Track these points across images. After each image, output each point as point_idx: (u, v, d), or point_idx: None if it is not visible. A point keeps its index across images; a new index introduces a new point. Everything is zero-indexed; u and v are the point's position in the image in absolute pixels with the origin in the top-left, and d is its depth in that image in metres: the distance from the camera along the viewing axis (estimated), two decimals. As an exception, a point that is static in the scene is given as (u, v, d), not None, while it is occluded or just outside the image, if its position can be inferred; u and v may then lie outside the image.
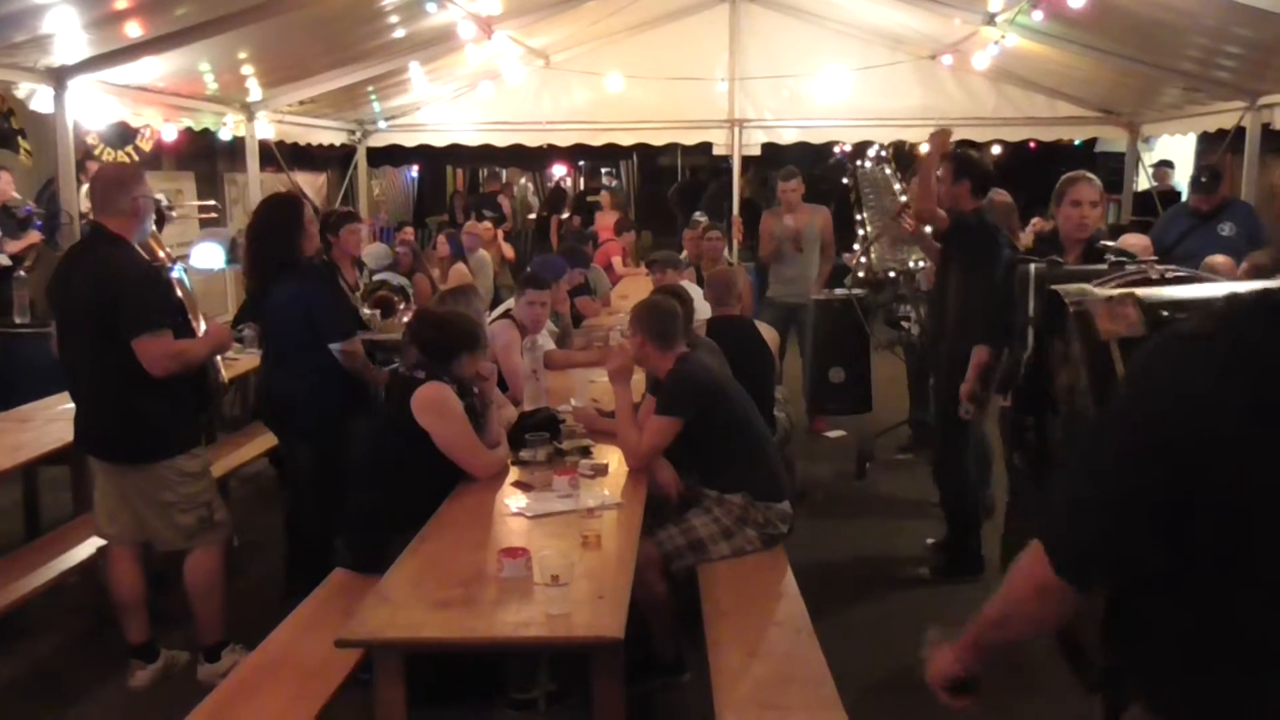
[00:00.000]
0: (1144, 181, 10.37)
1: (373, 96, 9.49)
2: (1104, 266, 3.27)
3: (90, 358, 3.68)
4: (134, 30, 5.43)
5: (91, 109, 6.02)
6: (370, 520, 3.66)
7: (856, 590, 4.82)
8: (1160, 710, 1.49)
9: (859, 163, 7.06)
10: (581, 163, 19.75)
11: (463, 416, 3.73)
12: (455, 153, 11.68)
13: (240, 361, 5.55)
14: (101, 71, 5.83)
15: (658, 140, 10.45)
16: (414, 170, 17.08)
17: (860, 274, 6.97)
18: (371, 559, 3.41)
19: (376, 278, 6.02)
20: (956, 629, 1.76)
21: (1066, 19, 6.60)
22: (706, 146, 10.49)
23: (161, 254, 4.06)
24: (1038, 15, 6.60)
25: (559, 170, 19.01)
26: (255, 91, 7.89)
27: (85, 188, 6.22)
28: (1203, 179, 6.52)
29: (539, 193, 19.24)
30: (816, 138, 10.00)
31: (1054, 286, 2.51)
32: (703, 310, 5.30)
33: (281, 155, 9.25)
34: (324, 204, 11.80)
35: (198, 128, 7.62)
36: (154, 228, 4.05)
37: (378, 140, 10.62)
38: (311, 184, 12.22)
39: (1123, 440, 1.44)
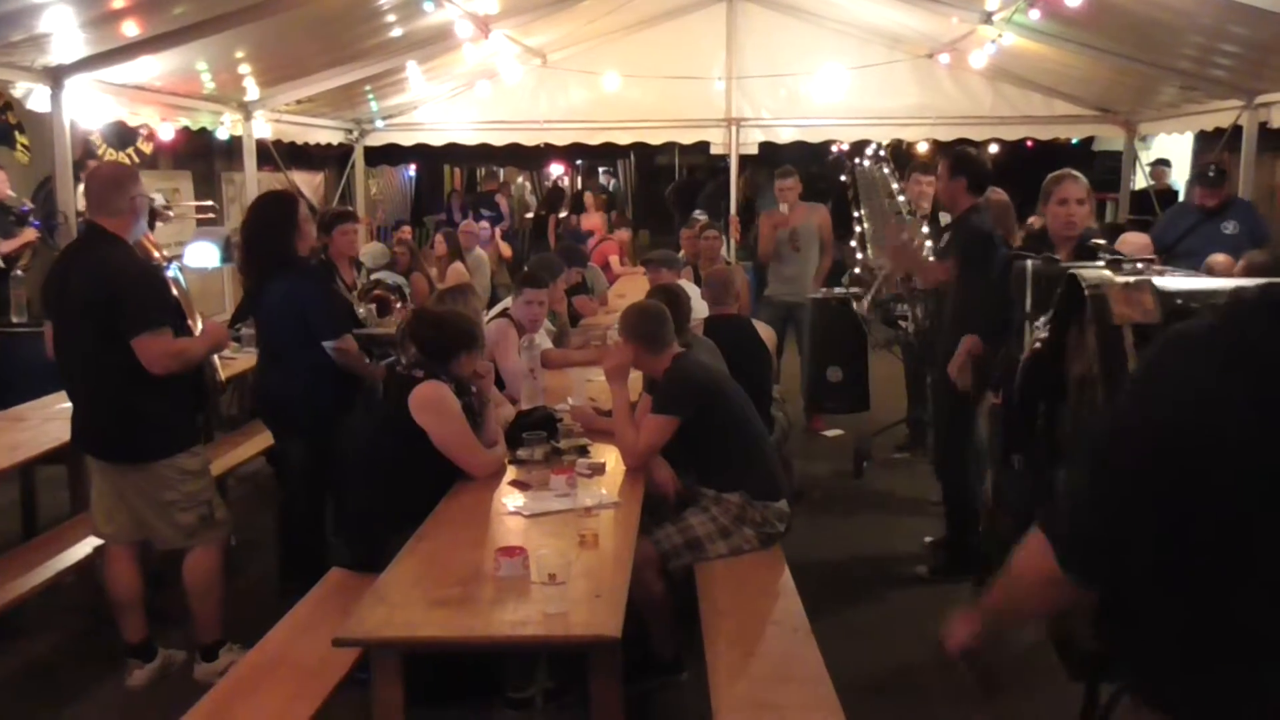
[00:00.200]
0: (1141, 180, 10.37)
1: (370, 96, 9.49)
2: (1099, 264, 3.28)
3: (88, 357, 3.67)
4: (131, 29, 5.42)
5: (88, 108, 6.01)
6: (368, 519, 3.66)
7: (854, 589, 4.82)
8: (1157, 705, 1.49)
9: (857, 161, 7.05)
10: (579, 162, 19.75)
11: (460, 415, 3.74)
12: (453, 152, 11.67)
13: (238, 360, 5.55)
14: (98, 70, 5.82)
15: (655, 139, 10.45)
16: (411, 169, 17.06)
17: (858, 271, 6.97)
18: (369, 558, 3.41)
19: (374, 276, 6.02)
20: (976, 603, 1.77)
21: (1063, 18, 6.60)
22: (704, 145, 10.49)
23: (156, 254, 4.05)
24: (1035, 14, 6.60)
25: (556, 169, 19.02)
26: (252, 91, 7.88)
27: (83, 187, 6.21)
28: (1210, 173, 6.47)
29: (536, 192, 19.26)
30: (814, 137, 10.00)
31: (1073, 269, 2.53)
32: (700, 309, 5.30)
33: (279, 154, 9.24)
34: (321, 203, 11.79)
35: (195, 127, 7.61)
36: (147, 227, 4.05)
37: (375, 139, 10.61)
38: (309, 183, 12.21)
39: (1127, 439, 1.45)
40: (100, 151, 8.62)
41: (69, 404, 3.90)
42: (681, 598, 3.72)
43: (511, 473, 3.88)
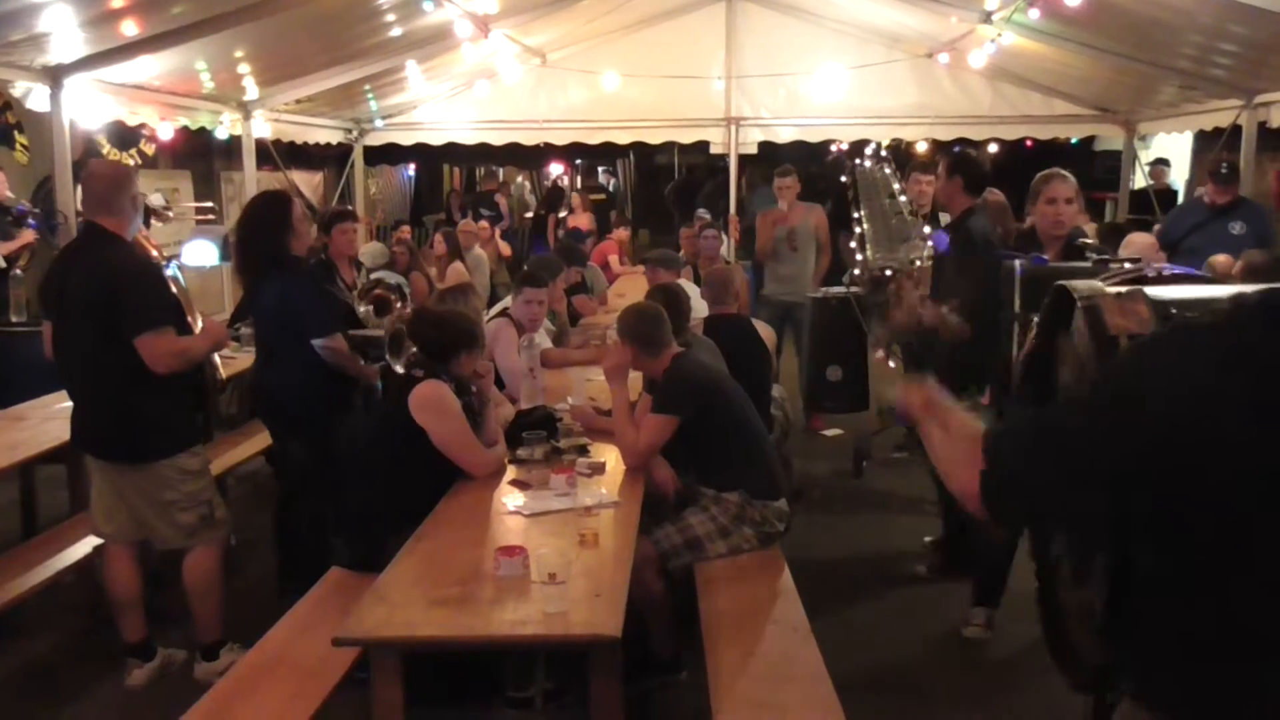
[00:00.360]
0: (1140, 180, 10.38)
1: (369, 95, 9.49)
2: (1087, 264, 3.28)
3: (89, 357, 3.67)
4: (130, 29, 5.41)
5: (88, 108, 6.01)
6: (367, 519, 3.66)
7: (853, 588, 4.82)
8: (1157, 706, 1.49)
9: (857, 161, 7.05)
10: (578, 161, 19.75)
11: (460, 414, 3.74)
12: (452, 151, 11.68)
13: (237, 360, 5.54)
14: (98, 70, 5.82)
15: (654, 139, 10.46)
16: (411, 169, 17.06)
17: (857, 271, 6.97)
18: (368, 557, 3.41)
19: (373, 276, 6.01)
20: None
21: (1063, 17, 6.60)
22: (703, 145, 10.49)
23: (154, 252, 4.05)
24: (1034, 13, 6.60)
25: (556, 169, 19.02)
26: (252, 90, 7.88)
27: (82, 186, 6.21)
28: (1222, 170, 6.36)
29: (536, 191, 19.25)
30: (813, 136, 10.01)
31: (1062, 282, 2.51)
32: (700, 309, 5.30)
33: (278, 154, 9.24)
34: (321, 203, 11.80)
35: (194, 126, 7.61)
36: (143, 225, 4.05)
37: (374, 139, 10.61)
38: (308, 183, 12.22)
39: (1109, 421, 1.44)
40: (105, 152, 8.63)
41: (68, 403, 3.90)
42: (681, 597, 3.72)
43: (511, 472, 3.88)
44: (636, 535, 3.37)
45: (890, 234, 6.30)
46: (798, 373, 7.65)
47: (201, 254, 7.56)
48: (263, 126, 8.30)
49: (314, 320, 4.31)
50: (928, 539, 5.14)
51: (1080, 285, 2.38)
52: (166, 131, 7.31)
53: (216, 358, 4.29)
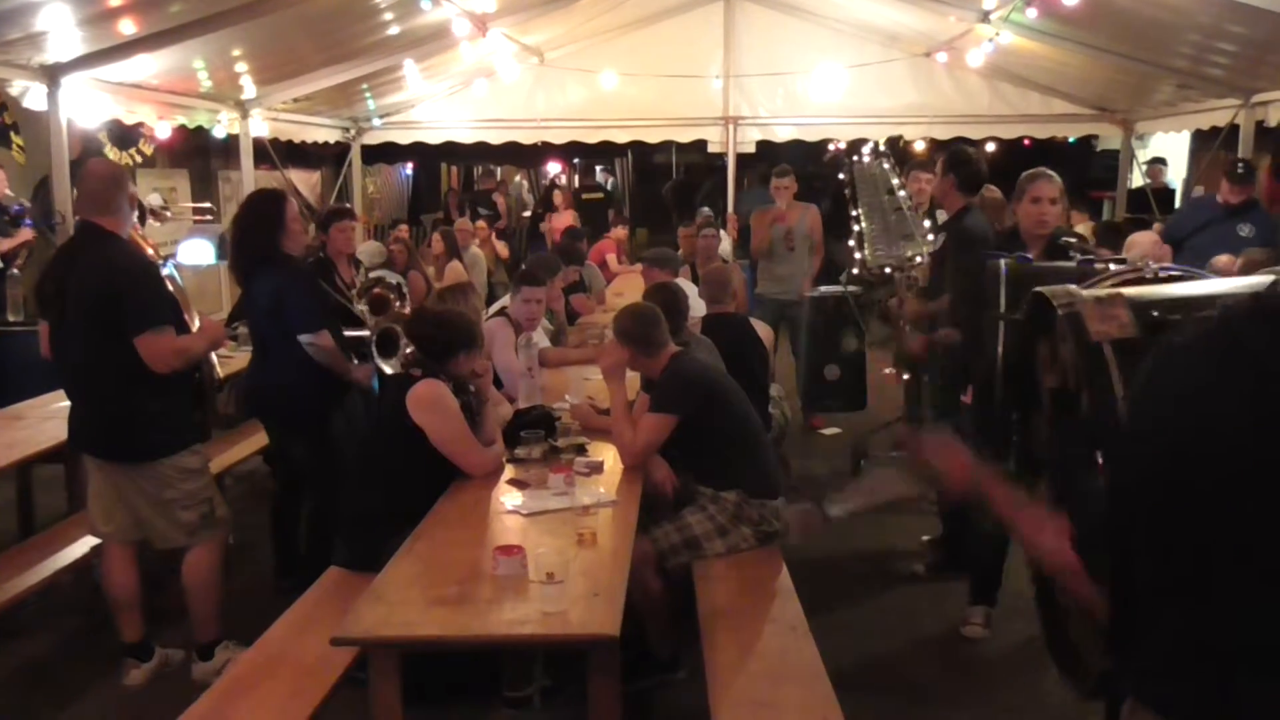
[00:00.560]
0: (1138, 179, 10.39)
1: (367, 94, 9.49)
2: (1072, 264, 3.28)
3: (89, 357, 3.66)
4: (128, 28, 5.41)
5: (85, 107, 6.00)
6: (365, 518, 3.66)
7: (851, 587, 4.83)
8: (1156, 708, 1.49)
9: (855, 159, 7.05)
10: (576, 160, 19.73)
11: (458, 414, 3.73)
12: (450, 150, 11.67)
13: (235, 359, 5.53)
14: (95, 69, 5.82)
15: (652, 138, 10.46)
16: (409, 168, 17.03)
17: (855, 271, 6.97)
18: (366, 557, 3.40)
19: (372, 275, 6.01)
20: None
21: (1061, 17, 6.61)
22: (701, 144, 10.50)
23: (150, 251, 4.04)
24: (1032, 12, 6.61)
25: (554, 168, 19.00)
26: (249, 89, 7.87)
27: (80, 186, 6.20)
28: (1238, 169, 6.22)
29: (534, 190, 19.23)
30: (811, 135, 10.01)
31: (1039, 289, 2.49)
32: (698, 308, 5.30)
33: (276, 153, 9.23)
34: (319, 202, 11.79)
35: (192, 125, 7.61)
36: (137, 223, 4.04)
37: (372, 138, 10.61)
38: (306, 182, 12.20)
39: (1127, 455, 1.46)
40: (108, 151, 8.62)
41: (66, 403, 3.89)
42: (679, 596, 3.72)
43: (509, 471, 3.88)
44: (635, 534, 3.37)
45: (889, 230, 6.33)
46: (794, 372, 7.66)
47: (198, 253, 7.56)
48: (260, 125, 8.29)
49: (301, 316, 4.30)
50: (925, 538, 5.14)
51: (1058, 291, 2.36)
52: (164, 130, 7.31)
53: (214, 357, 4.28)
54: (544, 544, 3.01)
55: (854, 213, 7.03)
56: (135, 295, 3.57)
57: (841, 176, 6.47)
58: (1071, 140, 11.58)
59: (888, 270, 6.79)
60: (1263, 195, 5.49)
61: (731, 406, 3.94)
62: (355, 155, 10.68)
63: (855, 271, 7.00)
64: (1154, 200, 9.66)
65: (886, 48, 9.55)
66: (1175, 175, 11.65)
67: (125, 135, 8.81)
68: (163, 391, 3.67)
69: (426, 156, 15.49)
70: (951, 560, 4.84)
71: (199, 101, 7.50)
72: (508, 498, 3.60)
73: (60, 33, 5.25)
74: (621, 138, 10.34)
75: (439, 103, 10.30)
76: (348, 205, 7.54)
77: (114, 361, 3.59)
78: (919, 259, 6.30)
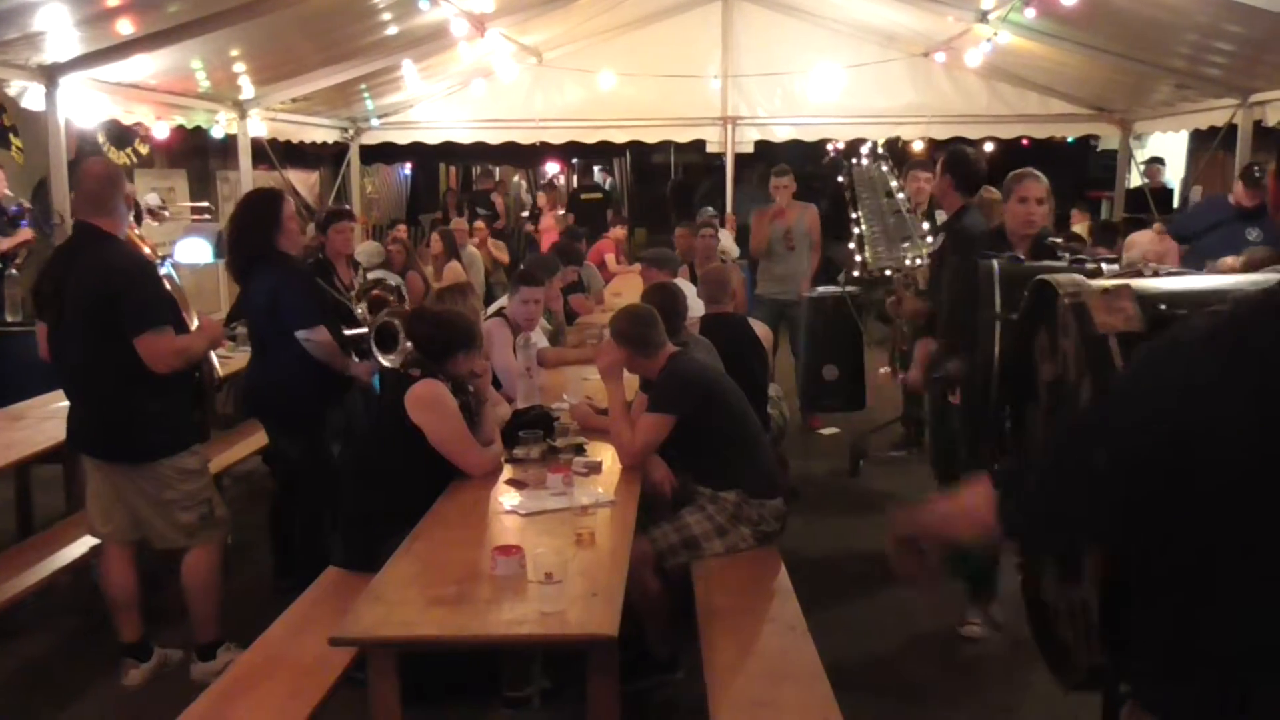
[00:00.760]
0: (1136, 178, 10.40)
1: (365, 94, 9.49)
2: (1062, 264, 3.28)
3: (88, 357, 3.65)
4: (126, 28, 5.41)
5: (83, 107, 6.00)
6: (364, 518, 3.66)
7: (850, 587, 4.82)
8: (1155, 709, 1.49)
9: (854, 160, 7.06)
10: (575, 160, 19.72)
11: (457, 414, 3.73)
12: (448, 150, 11.66)
13: (234, 359, 5.53)
14: (93, 69, 5.82)
15: (651, 138, 10.47)
16: (407, 168, 17.03)
17: (855, 272, 6.97)
18: (365, 557, 3.41)
19: (371, 276, 6.01)
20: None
21: (1059, 16, 6.61)
22: (700, 144, 10.50)
23: (147, 250, 4.04)
24: (1030, 12, 6.61)
25: (552, 168, 18.99)
26: (247, 89, 7.87)
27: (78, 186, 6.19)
28: (1255, 173, 6.18)
29: (532, 190, 19.22)
30: (810, 135, 10.01)
31: (1046, 276, 2.48)
32: (696, 308, 5.30)
33: (274, 153, 9.22)
34: (317, 202, 11.78)
35: (190, 125, 7.61)
36: (133, 222, 4.04)
37: (370, 138, 10.61)
38: (304, 182, 12.19)
39: (1124, 441, 1.45)
40: (106, 150, 8.62)
41: (65, 403, 3.88)
42: (678, 596, 3.72)
43: (508, 471, 3.88)
44: (633, 534, 3.37)
45: (888, 233, 6.33)
46: (793, 372, 7.66)
47: (195, 251, 7.56)
48: (258, 125, 8.29)
49: (297, 312, 4.30)
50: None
51: (1064, 280, 2.34)
52: (162, 130, 7.30)
53: (214, 356, 4.28)
54: (542, 544, 3.01)
55: (853, 215, 7.04)
56: (133, 296, 3.57)
57: (840, 179, 6.47)
58: (1070, 140, 11.58)
59: (888, 272, 6.80)
60: (1270, 200, 5.48)
61: (730, 406, 3.94)
62: (353, 155, 10.68)
63: (855, 273, 7.02)
64: (1152, 200, 9.67)
65: (885, 48, 9.56)
66: (1173, 175, 11.66)
67: (122, 134, 8.80)
68: (162, 392, 3.67)
69: (425, 157, 15.48)
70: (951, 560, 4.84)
71: (197, 101, 7.50)
72: (506, 498, 3.60)
73: (58, 33, 5.25)
74: (620, 138, 10.35)
75: (437, 103, 10.30)
76: (347, 207, 7.53)
77: (113, 362, 3.59)
78: (919, 262, 6.31)
